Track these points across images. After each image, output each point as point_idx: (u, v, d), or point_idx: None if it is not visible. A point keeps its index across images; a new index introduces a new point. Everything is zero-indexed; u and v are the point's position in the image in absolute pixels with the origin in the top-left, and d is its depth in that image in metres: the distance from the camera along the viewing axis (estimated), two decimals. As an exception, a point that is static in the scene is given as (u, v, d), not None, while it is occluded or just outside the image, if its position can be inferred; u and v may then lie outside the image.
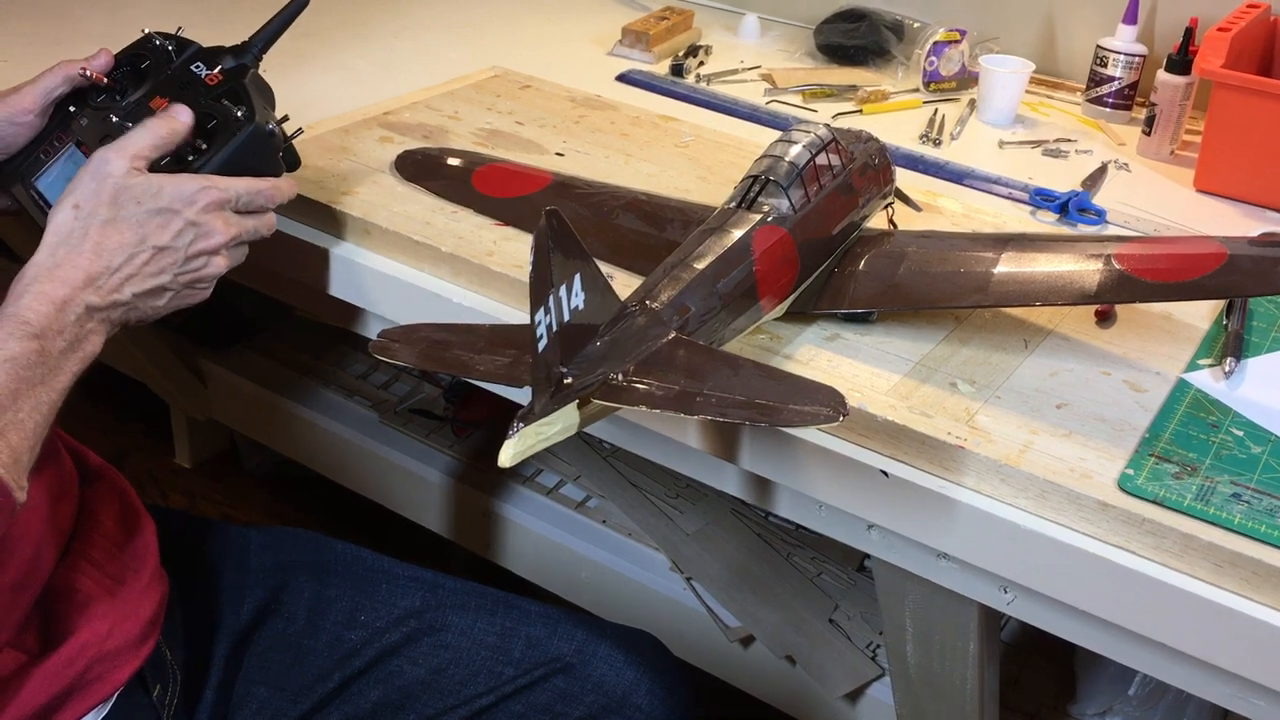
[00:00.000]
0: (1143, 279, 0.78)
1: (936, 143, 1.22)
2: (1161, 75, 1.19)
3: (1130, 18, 1.25)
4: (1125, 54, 1.26)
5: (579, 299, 0.64)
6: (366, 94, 1.21)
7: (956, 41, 1.33)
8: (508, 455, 0.62)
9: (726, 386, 0.66)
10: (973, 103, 1.31)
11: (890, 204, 0.95)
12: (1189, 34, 1.19)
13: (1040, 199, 1.08)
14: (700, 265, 0.75)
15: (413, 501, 1.48)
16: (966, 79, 1.34)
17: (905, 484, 0.73)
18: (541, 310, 0.62)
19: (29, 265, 0.73)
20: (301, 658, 0.89)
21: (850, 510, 0.78)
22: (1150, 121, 1.20)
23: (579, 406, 0.65)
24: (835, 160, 0.86)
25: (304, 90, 1.17)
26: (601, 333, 0.68)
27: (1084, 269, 0.79)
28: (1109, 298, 0.79)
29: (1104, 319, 0.86)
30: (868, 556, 0.94)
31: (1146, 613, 0.68)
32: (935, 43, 1.32)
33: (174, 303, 0.79)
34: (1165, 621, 0.67)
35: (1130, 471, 0.70)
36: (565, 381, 0.64)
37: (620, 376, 0.67)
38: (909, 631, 0.94)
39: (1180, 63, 1.18)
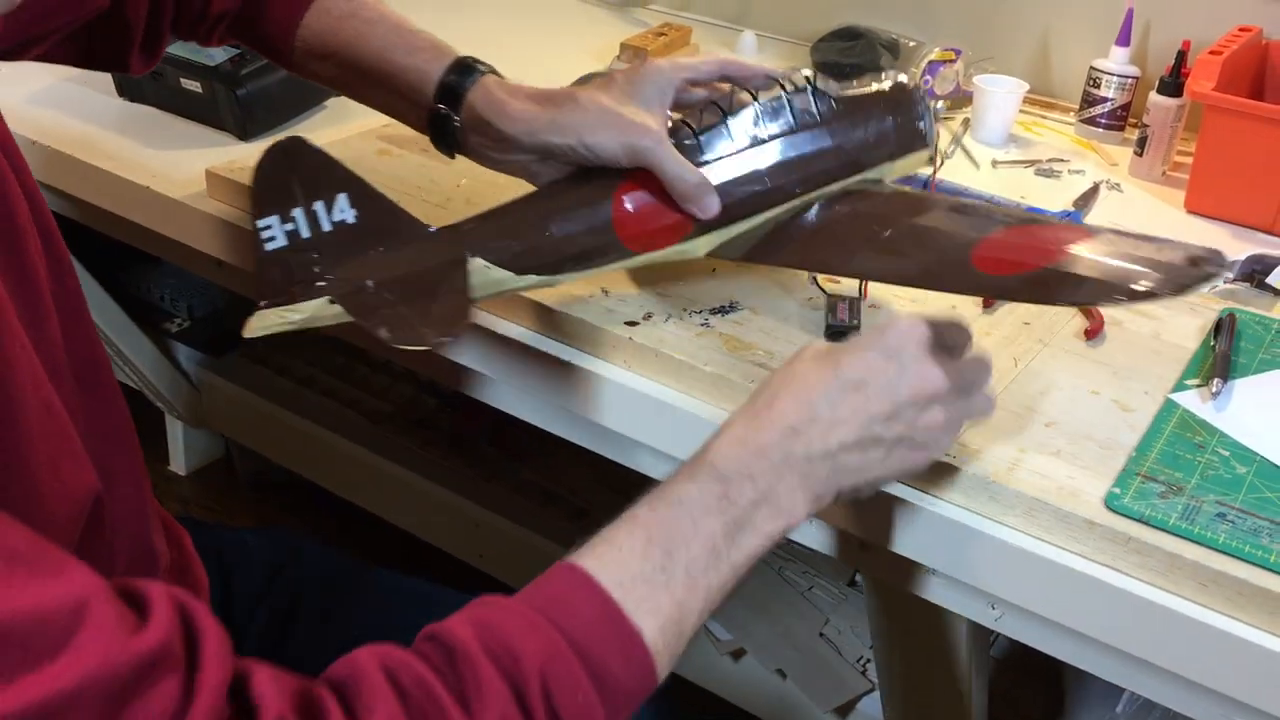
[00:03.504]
0: (979, 269, 0.76)
1: (930, 161, 1.23)
2: (1153, 97, 1.20)
3: (1123, 39, 1.27)
4: (1118, 75, 1.27)
5: (347, 214, 0.74)
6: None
7: (951, 61, 1.34)
8: (249, 328, 0.74)
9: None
10: (967, 122, 1.32)
11: (935, 161, 0.90)
12: (1181, 57, 1.20)
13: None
14: (538, 197, 0.80)
15: (407, 511, 1.49)
16: (961, 98, 1.35)
17: (894, 499, 0.74)
18: (275, 218, 0.73)
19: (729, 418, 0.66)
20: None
21: (839, 525, 0.79)
22: (1142, 143, 1.21)
23: (331, 303, 0.74)
24: (798, 110, 0.83)
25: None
26: (390, 246, 0.76)
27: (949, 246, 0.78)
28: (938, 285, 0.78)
29: (1092, 337, 0.86)
30: (859, 571, 0.95)
31: (1132, 631, 0.68)
32: (930, 62, 1.33)
33: (890, 463, 0.66)
34: (1150, 639, 0.68)
35: (1117, 490, 0.70)
36: (318, 284, 0.74)
37: (372, 286, 0.74)
38: (898, 646, 0.95)
39: (1172, 85, 1.19)
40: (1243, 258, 1.01)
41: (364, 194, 0.75)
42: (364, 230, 0.75)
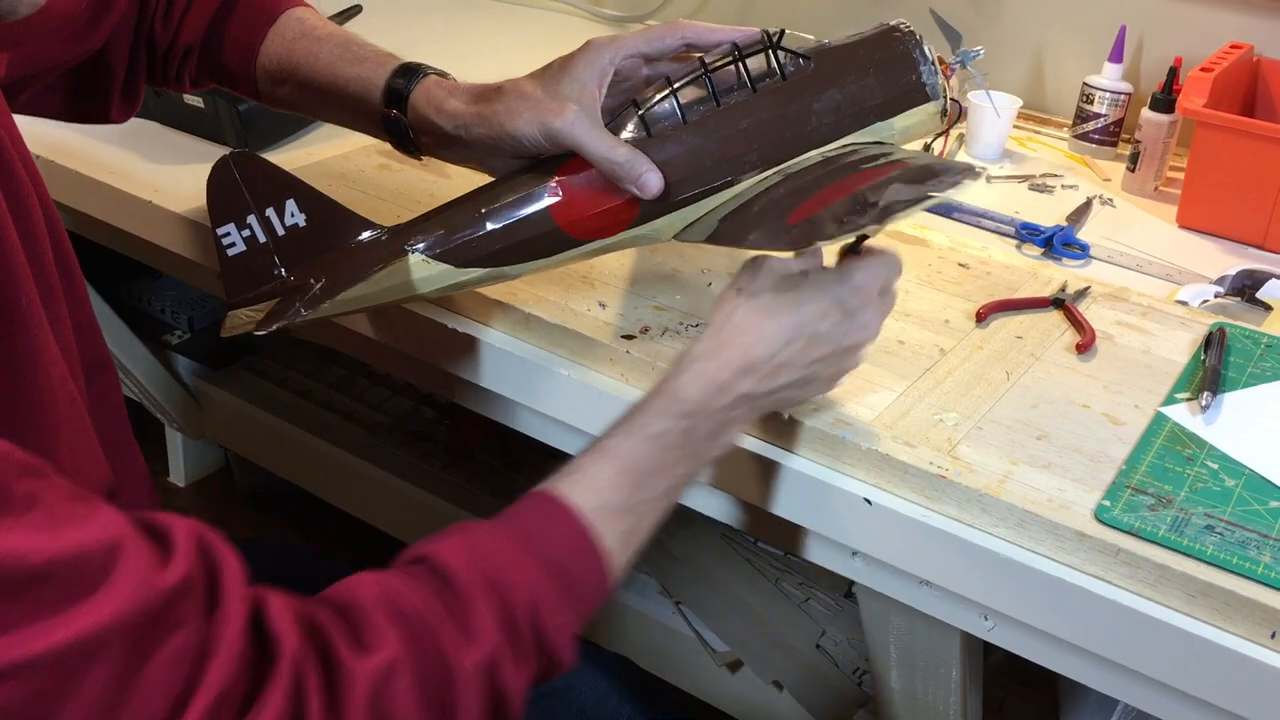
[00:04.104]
0: (788, 223, 0.71)
1: (942, 116, 1.24)
2: (1146, 113, 1.21)
3: (1116, 56, 1.28)
4: (1111, 92, 1.28)
5: (298, 218, 0.78)
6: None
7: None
8: (225, 329, 0.79)
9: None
10: (962, 137, 1.33)
11: (943, 122, 0.81)
12: (1173, 73, 1.21)
13: (1025, 233, 1.10)
14: (481, 190, 0.80)
15: (406, 523, 1.49)
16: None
17: (888, 512, 0.75)
18: (232, 226, 0.78)
19: (694, 344, 0.70)
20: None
21: (834, 537, 0.79)
22: (1135, 158, 1.23)
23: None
24: (755, 71, 0.76)
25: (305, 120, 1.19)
26: (342, 246, 0.79)
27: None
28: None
29: (1084, 351, 0.87)
30: (854, 583, 0.95)
31: (1122, 641, 0.69)
32: (925, 78, 1.34)
33: (812, 393, 0.75)
34: (1139, 650, 0.69)
35: (1107, 502, 0.71)
36: (277, 284, 0.79)
37: (316, 284, 0.78)
38: (893, 657, 0.95)
39: (1164, 101, 1.20)
40: (1233, 272, 1.02)
41: (311, 198, 0.79)
42: (316, 231, 0.79)
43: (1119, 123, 1.30)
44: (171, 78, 0.92)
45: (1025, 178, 1.25)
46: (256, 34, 0.88)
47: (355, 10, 1.33)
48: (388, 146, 1.14)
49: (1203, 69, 1.14)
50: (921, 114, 0.78)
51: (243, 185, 0.78)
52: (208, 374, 1.63)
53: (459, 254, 0.79)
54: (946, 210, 1.16)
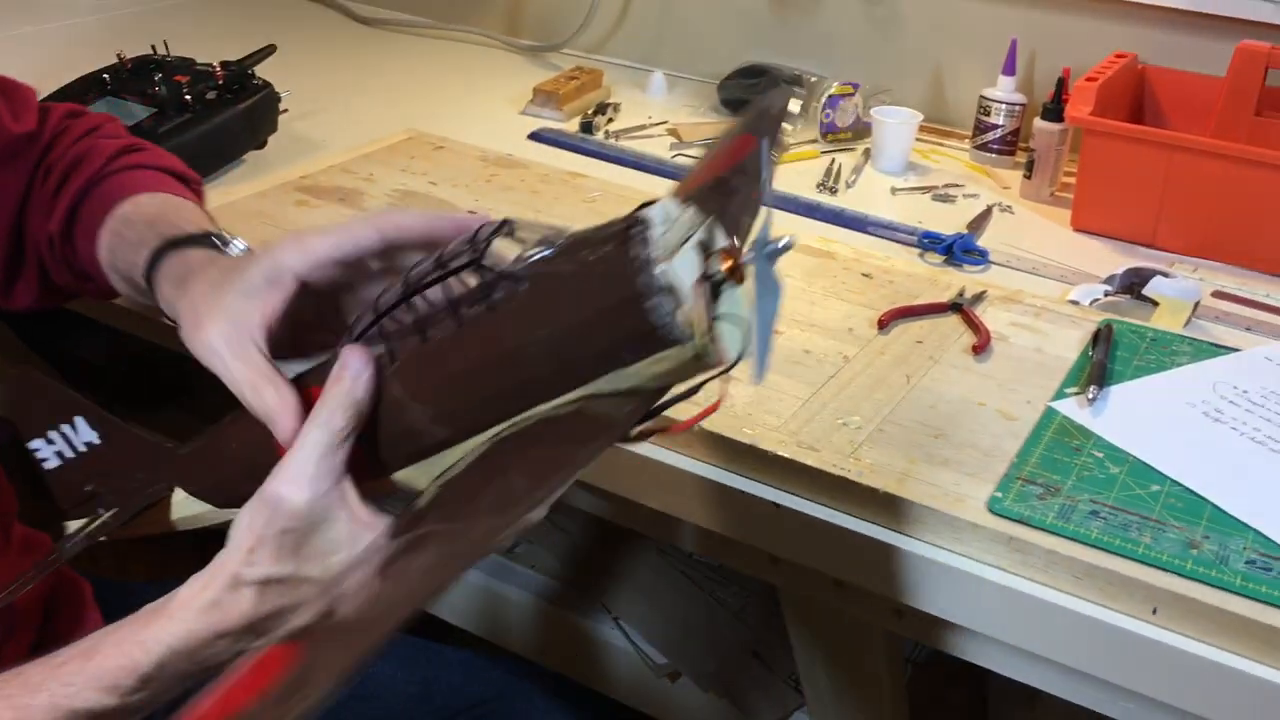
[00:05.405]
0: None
1: (833, 191, 1.29)
2: (1038, 123, 1.27)
3: (1009, 69, 1.33)
4: (1006, 103, 1.34)
5: (90, 436, 0.71)
6: (284, 160, 1.25)
7: (850, 94, 1.40)
8: (67, 535, 0.74)
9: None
10: (867, 152, 1.38)
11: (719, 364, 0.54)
12: (1061, 83, 1.27)
13: (927, 242, 1.14)
14: (229, 421, 0.68)
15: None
16: (861, 129, 1.41)
17: (798, 515, 0.78)
18: (42, 441, 0.71)
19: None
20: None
21: (752, 543, 0.83)
22: (1030, 166, 1.28)
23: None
24: (457, 294, 0.56)
25: (222, 158, 1.20)
26: (140, 470, 0.72)
27: None
28: None
29: (980, 352, 0.92)
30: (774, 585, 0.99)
31: (1017, 624, 0.73)
32: (830, 96, 1.39)
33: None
34: (1033, 631, 0.72)
35: (999, 494, 0.75)
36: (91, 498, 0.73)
37: (106, 513, 0.73)
38: (818, 658, 0.99)
39: (1054, 110, 1.26)
40: (1121, 271, 1.07)
41: (100, 418, 0.72)
42: (114, 450, 0.72)
43: (1015, 132, 1.35)
44: (52, 273, 0.83)
45: (929, 188, 1.30)
46: (94, 226, 0.77)
47: (270, 50, 1.35)
48: (308, 183, 1.17)
49: (1088, 78, 1.20)
50: (671, 359, 0.53)
51: (34, 401, 0.71)
52: (137, 416, 1.63)
53: (213, 495, 0.70)
54: (854, 223, 1.21)
